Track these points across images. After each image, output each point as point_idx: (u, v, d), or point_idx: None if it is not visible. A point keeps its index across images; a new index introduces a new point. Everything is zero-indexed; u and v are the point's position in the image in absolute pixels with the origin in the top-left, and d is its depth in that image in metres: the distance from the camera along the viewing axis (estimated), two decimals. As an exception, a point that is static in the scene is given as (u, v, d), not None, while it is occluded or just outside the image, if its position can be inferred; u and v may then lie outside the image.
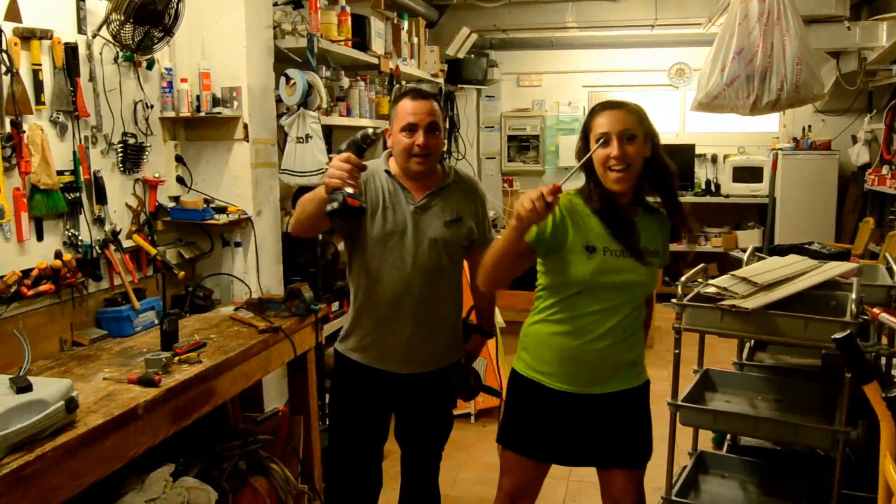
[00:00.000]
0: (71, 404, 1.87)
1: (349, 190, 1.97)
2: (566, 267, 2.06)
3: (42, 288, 2.48)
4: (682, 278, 2.64)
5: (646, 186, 2.13)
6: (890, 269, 3.07)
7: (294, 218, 2.35)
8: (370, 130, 2.09)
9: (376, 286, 2.36)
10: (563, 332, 2.13)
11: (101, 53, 2.77)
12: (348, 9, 3.95)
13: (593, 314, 2.08)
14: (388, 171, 2.36)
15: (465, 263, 2.57)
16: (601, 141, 1.99)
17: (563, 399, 2.15)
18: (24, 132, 2.43)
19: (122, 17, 2.64)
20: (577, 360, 2.12)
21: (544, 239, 2.03)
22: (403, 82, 4.94)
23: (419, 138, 2.26)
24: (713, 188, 7.21)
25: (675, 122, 7.56)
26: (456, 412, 4.25)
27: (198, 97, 3.18)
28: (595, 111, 2.07)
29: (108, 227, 2.82)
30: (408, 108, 2.28)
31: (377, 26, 4.35)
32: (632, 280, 2.07)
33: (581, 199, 2.11)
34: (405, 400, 2.48)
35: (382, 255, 2.33)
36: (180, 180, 3.25)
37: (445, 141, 2.33)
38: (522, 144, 7.79)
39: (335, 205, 1.95)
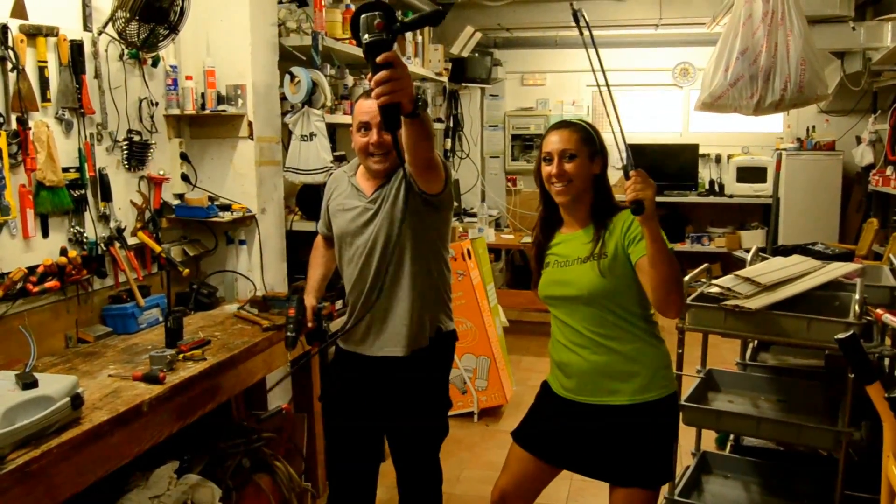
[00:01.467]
0: (76, 401, 1.88)
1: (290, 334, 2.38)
2: None
3: (47, 285, 2.50)
4: (686, 278, 2.64)
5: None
6: (893, 270, 3.07)
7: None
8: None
9: (347, 280, 2.45)
10: (553, 340, 2.24)
11: (106, 51, 2.78)
12: (353, 7, 3.96)
13: (563, 324, 2.17)
14: (346, 172, 2.47)
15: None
16: (545, 159, 2.14)
17: (563, 403, 2.20)
18: (29, 129, 2.44)
19: (128, 15, 2.65)
20: (565, 367, 2.18)
21: None
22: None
23: (372, 136, 2.29)
24: (717, 188, 7.19)
25: (678, 122, 7.55)
26: (459, 411, 4.31)
27: (203, 95, 3.19)
28: (546, 132, 2.19)
29: (113, 225, 2.83)
30: (362, 108, 2.31)
31: (382, 24, 4.35)
32: (570, 294, 2.11)
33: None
34: (388, 395, 2.45)
35: (342, 252, 2.43)
36: (185, 178, 3.26)
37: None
38: (526, 143, 7.79)
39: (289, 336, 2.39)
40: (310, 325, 2.45)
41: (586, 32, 1.97)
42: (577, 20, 1.98)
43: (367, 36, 1.59)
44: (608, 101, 1.95)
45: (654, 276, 1.92)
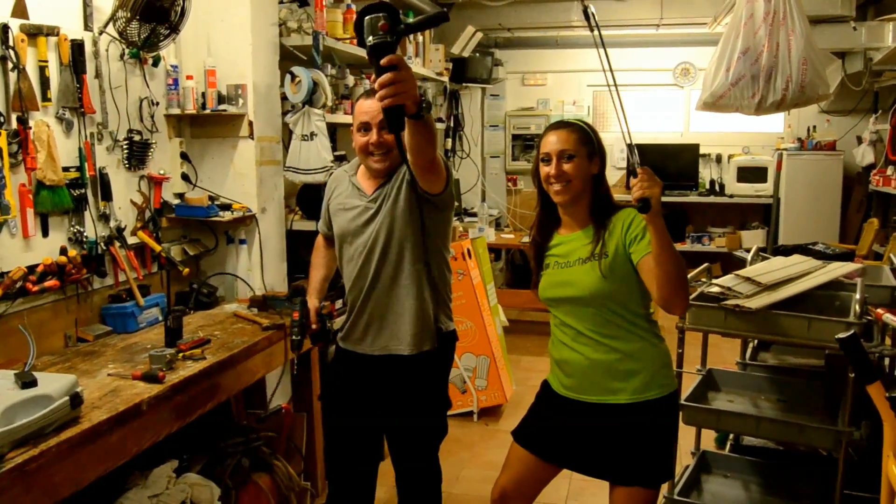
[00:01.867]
0: (75, 400, 1.88)
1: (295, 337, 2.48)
2: None
3: (47, 284, 2.50)
4: (686, 278, 2.64)
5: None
6: (894, 270, 3.07)
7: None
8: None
9: (347, 279, 2.45)
10: (553, 338, 2.23)
11: (107, 50, 2.78)
12: (354, 7, 3.96)
13: (563, 323, 2.17)
14: (347, 172, 2.47)
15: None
16: (544, 159, 2.14)
17: (563, 402, 2.20)
18: (30, 128, 2.44)
19: (129, 14, 2.65)
20: (565, 366, 2.18)
21: None
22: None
23: (372, 136, 2.29)
24: (717, 188, 7.18)
25: (679, 122, 7.55)
26: (459, 411, 4.31)
27: (203, 94, 3.19)
28: (544, 132, 2.18)
29: (113, 224, 2.83)
30: (363, 108, 2.31)
31: (382, 24, 4.34)
32: (572, 294, 2.10)
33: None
34: (387, 394, 2.46)
35: (343, 251, 2.43)
36: (185, 177, 3.26)
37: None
38: (527, 143, 7.78)
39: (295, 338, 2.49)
40: (314, 326, 2.47)
41: (596, 32, 1.96)
42: (587, 18, 1.97)
43: (371, 38, 1.57)
44: (616, 100, 1.95)
45: (660, 273, 1.92)
